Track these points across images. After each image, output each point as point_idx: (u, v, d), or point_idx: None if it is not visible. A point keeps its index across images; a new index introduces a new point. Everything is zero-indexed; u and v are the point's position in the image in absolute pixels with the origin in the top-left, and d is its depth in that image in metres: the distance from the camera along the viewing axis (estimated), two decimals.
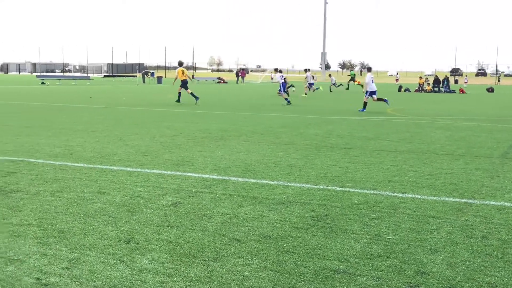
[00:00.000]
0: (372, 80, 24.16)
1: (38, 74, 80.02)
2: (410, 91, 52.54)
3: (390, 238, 5.30)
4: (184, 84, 26.91)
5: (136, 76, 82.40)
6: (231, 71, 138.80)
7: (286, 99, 27.88)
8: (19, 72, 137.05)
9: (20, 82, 62.24)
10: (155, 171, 8.46)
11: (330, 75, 59.54)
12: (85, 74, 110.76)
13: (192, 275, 4.28)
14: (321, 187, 7.53)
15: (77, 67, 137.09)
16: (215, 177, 8.09)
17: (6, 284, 4.03)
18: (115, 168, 8.65)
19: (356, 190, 7.34)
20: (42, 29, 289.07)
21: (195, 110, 22.52)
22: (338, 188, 7.44)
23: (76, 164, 8.88)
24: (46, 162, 9.05)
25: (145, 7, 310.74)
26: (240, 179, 7.93)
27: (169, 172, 8.36)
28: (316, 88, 46.87)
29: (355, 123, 17.70)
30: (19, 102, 25.30)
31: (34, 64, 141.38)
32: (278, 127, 15.70)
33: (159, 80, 73.97)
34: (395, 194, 7.19)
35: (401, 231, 5.55)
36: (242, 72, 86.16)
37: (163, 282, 4.12)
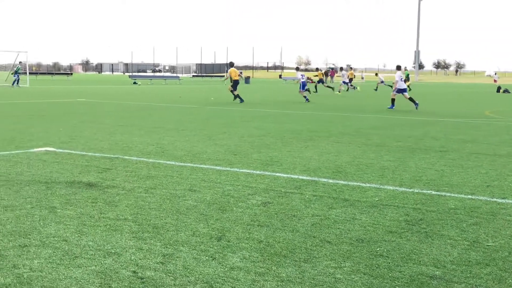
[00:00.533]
0: (401, 78, 24.53)
1: (130, 74, 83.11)
2: (509, 92, 50.30)
3: (490, 245, 5.14)
4: (235, 85, 27.85)
5: (224, 75, 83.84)
6: (318, 69, 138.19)
7: (305, 97, 29.18)
8: (112, 72, 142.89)
9: (113, 82, 64.84)
10: (244, 170, 8.60)
11: (377, 74, 58.31)
12: (174, 74, 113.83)
13: (284, 275, 4.33)
14: (416, 190, 7.39)
15: (167, 67, 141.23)
16: (304, 177, 8.12)
17: (105, 276, 4.24)
18: (205, 166, 8.87)
19: (452, 195, 7.15)
20: (135, 30, 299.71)
21: (284, 110, 22.65)
22: (433, 192, 7.28)
23: (168, 162, 9.18)
24: (140, 159, 9.41)
25: (234, 7, 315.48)
26: (330, 181, 7.92)
27: (258, 172, 8.47)
28: (353, 87, 45.99)
29: (450, 125, 17.19)
30: (113, 102, 26.40)
31: (126, 64, 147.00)
32: (369, 128, 15.52)
33: (247, 80, 74.88)
34: (494, 199, 6.94)
35: (501, 238, 5.36)
36: (331, 72, 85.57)
37: (255, 281, 4.20)
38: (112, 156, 9.68)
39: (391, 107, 24.29)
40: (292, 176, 8.23)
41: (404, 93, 24.31)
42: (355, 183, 7.78)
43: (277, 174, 8.35)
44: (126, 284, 4.09)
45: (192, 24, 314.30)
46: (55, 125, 14.55)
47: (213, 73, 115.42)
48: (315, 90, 40.68)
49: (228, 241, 5.12)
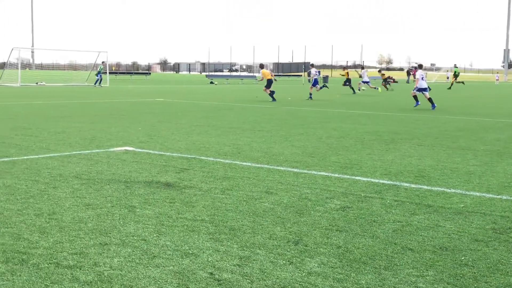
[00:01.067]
0: (422, 77, 24.84)
1: (207, 73, 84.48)
2: None
3: None
4: (269, 84, 29.24)
5: (301, 75, 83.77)
6: (401, 69, 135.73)
7: (310, 94, 31.25)
8: (189, 71, 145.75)
9: (190, 82, 66.12)
10: (322, 173, 8.57)
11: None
12: (251, 74, 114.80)
13: (363, 282, 4.30)
14: (504, 197, 7.14)
15: (244, 67, 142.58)
16: (385, 182, 8.01)
17: (183, 276, 4.35)
18: (281, 168, 8.91)
19: None
20: (212, 29, 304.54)
21: (363, 111, 22.40)
22: None
23: (244, 163, 9.28)
24: (216, 160, 9.57)
25: (312, 5, 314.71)
26: (412, 185, 7.77)
27: (336, 175, 8.43)
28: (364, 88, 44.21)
29: None
30: (190, 101, 26.94)
31: (203, 64, 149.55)
32: (454, 131, 15.10)
33: (325, 79, 74.49)
34: None
35: None
36: (414, 71, 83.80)
37: (333, 287, 4.19)
38: (189, 156, 9.89)
39: (416, 104, 24.70)
40: (372, 180, 8.14)
41: (424, 92, 24.46)
42: (439, 189, 7.60)
43: (357, 177, 8.28)
44: (203, 286, 4.17)
45: (270, 23, 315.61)
46: (134, 125, 15.01)
47: (291, 73, 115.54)
48: (353, 91, 39.98)
49: (306, 246, 5.13)
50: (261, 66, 32.27)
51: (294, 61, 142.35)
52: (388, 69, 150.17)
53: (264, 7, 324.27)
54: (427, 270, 4.56)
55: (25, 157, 9.40)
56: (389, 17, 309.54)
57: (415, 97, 24.84)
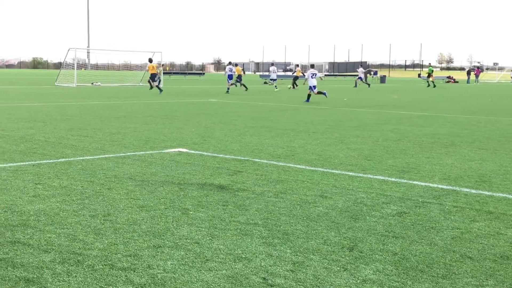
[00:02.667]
0: (312, 76, 27.94)
1: (261, 73, 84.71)
2: None
3: None
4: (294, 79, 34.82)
5: (357, 75, 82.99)
6: (462, 69, 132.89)
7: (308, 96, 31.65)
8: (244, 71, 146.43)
9: (244, 82, 66.39)
10: (378, 177, 8.50)
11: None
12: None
13: None
14: None
15: (299, 67, 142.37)
16: (444, 187, 7.88)
17: (235, 281, 4.40)
18: (336, 171, 8.88)
19: None
20: (267, 28, 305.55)
21: (421, 112, 22.06)
22: None
23: (298, 166, 9.29)
24: (270, 162, 9.61)
25: (370, 3, 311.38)
26: (473, 191, 7.62)
27: (393, 179, 8.35)
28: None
29: None
30: (244, 102, 27.09)
31: (257, 64, 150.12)
32: None
33: (383, 79, 73.64)
34: None
35: None
36: (477, 70, 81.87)
37: None
38: (243, 158, 9.97)
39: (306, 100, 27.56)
40: (431, 184, 8.02)
41: (313, 89, 27.63)
42: (501, 195, 7.43)
43: (414, 182, 8.18)
44: None
45: (325, 21, 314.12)
46: (187, 126, 15.22)
47: (346, 72, 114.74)
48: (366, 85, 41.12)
49: (361, 252, 5.11)
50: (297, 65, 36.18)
51: (351, 61, 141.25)
52: (448, 68, 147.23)
53: (320, 6, 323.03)
54: (486, 279, 4.48)
55: (81, 158, 9.68)
56: (449, 14, 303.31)
57: (308, 95, 27.96)
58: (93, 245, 5.15)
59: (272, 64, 47.07)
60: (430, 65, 63.65)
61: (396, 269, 4.69)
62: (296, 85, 44.44)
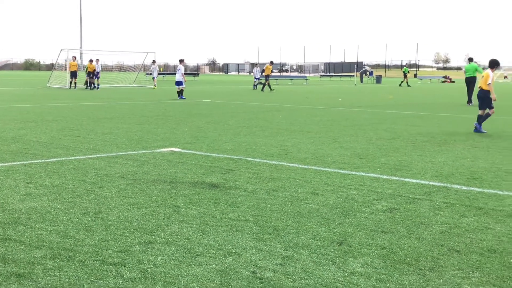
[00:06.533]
0: (179, 72, 29.71)
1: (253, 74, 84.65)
2: None
3: None
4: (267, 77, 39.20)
5: (353, 75, 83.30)
6: (459, 68, 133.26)
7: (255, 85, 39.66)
8: (238, 72, 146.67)
9: (239, 83, 66.57)
10: (370, 174, 8.62)
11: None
12: (302, 74, 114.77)
13: (406, 282, 4.37)
14: None
15: (294, 67, 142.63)
16: (435, 183, 8.01)
17: (225, 274, 4.51)
18: (329, 170, 9.00)
19: None
20: (262, 29, 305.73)
21: (417, 112, 22.21)
22: None
23: (291, 165, 9.41)
24: (263, 161, 9.72)
25: (364, 4, 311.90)
26: (464, 188, 7.75)
27: (385, 177, 8.47)
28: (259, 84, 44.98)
29: None
30: (238, 102, 27.19)
31: (252, 64, 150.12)
32: None
33: (378, 79, 73.87)
34: None
35: None
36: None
37: (375, 287, 4.28)
38: (235, 157, 10.08)
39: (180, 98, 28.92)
40: (422, 181, 8.15)
41: (180, 85, 29.31)
42: (492, 191, 7.56)
43: (406, 179, 8.30)
44: (245, 284, 4.32)
45: (321, 22, 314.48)
46: (181, 126, 15.32)
47: (343, 72, 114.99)
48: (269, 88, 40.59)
49: (350, 246, 5.23)
50: (271, 62, 41.90)
51: (346, 61, 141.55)
52: (445, 68, 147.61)
53: (316, 6, 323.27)
54: (473, 272, 4.60)
55: (73, 158, 9.77)
56: (446, 14, 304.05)
57: (178, 92, 29.60)
58: (84, 242, 5.25)
59: (256, 65, 47.85)
60: (406, 65, 66.03)
61: (384, 263, 4.81)
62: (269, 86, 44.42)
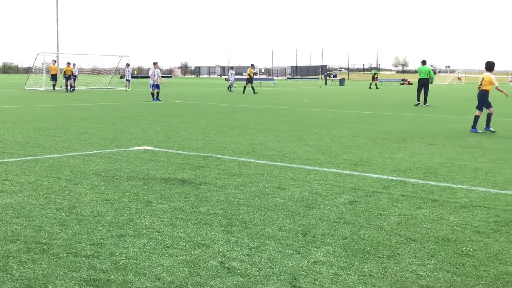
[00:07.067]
0: (154, 75, 30.07)
1: (227, 77, 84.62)
2: None
3: None
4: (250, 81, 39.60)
5: (318, 78, 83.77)
6: (417, 71, 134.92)
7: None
8: (210, 75, 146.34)
9: (210, 85, 66.39)
10: (333, 170, 8.66)
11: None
12: (270, 77, 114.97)
13: (366, 270, 4.39)
14: (509, 192, 7.18)
15: (263, 70, 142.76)
16: (393, 178, 8.08)
17: (194, 265, 4.47)
18: (294, 165, 9.01)
19: None
20: (232, 33, 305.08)
21: (379, 112, 22.41)
22: None
23: (259, 161, 9.40)
24: (232, 158, 9.70)
25: (327, 8, 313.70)
26: (420, 181, 7.83)
27: (347, 172, 8.51)
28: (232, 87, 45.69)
29: None
30: (209, 103, 27.10)
31: (223, 68, 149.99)
32: (466, 130, 15.08)
33: (341, 82, 74.42)
34: None
35: None
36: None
37: (337, 275, 4.29)
38: (206, 155, 10.03)
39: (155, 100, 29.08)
40: (381, 176, 8.21)
41: (156, 88, 29.80)
42: (446, 184, 7.66)
43: (366, 174, 8.36)
44: (213, 273, 4.30)
45: (287, 26, 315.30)
46: (153, 126, 15.20)
47: (308, 75, 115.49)
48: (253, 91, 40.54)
49: (313, 237, 5.24)
50: (252, 65, 42.66)
51: (312, 64, 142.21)
52: (403, 71, 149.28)
53: (284, 11, 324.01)
54: (428, 259, 4.65)
55: (48, 156, 9.61)
56: (405, 20, 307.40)
57: (152, 94, 29.94)
58: (58, 235, 5.16)
59: (232, 68, 48.40)
60: (374, 68, 67.67)
61: (345, 252, 4.83)
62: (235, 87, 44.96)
